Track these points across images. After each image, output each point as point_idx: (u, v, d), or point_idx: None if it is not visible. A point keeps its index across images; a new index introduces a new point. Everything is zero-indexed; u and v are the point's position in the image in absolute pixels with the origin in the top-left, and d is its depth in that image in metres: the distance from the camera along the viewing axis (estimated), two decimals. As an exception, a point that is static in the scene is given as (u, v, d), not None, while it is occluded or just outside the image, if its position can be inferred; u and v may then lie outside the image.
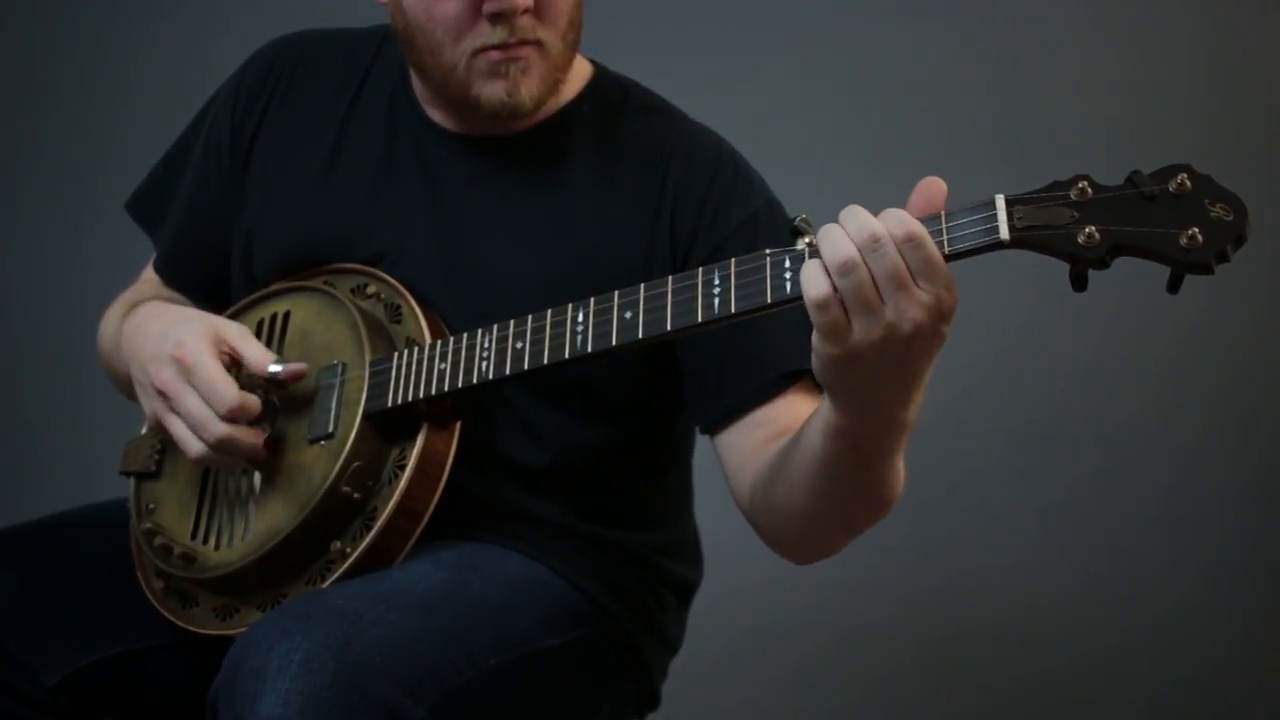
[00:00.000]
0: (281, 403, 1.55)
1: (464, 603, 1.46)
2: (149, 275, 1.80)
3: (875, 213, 1.19)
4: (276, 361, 1.51)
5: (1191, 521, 2.47)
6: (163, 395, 1.51)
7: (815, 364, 1.22)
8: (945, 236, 1.18)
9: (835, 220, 1.19)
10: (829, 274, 1.18)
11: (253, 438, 1.49)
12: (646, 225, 1.58)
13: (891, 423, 1.26)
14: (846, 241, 1.17)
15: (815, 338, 1.20)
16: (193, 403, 1.48)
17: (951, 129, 2.53)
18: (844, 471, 1.32)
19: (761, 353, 1.51)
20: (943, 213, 1.19)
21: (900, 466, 1.34)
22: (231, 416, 1.47)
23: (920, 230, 1.17)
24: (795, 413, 1.47)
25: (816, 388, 1.52)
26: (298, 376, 1.52)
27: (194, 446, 1.49)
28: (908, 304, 1.17)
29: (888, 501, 1.38)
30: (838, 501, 1.37)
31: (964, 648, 2.54)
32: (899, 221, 1.17)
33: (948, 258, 1.18)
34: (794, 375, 1.51)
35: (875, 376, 1.21)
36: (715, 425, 1.55)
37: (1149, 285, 1.19)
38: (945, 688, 2.55)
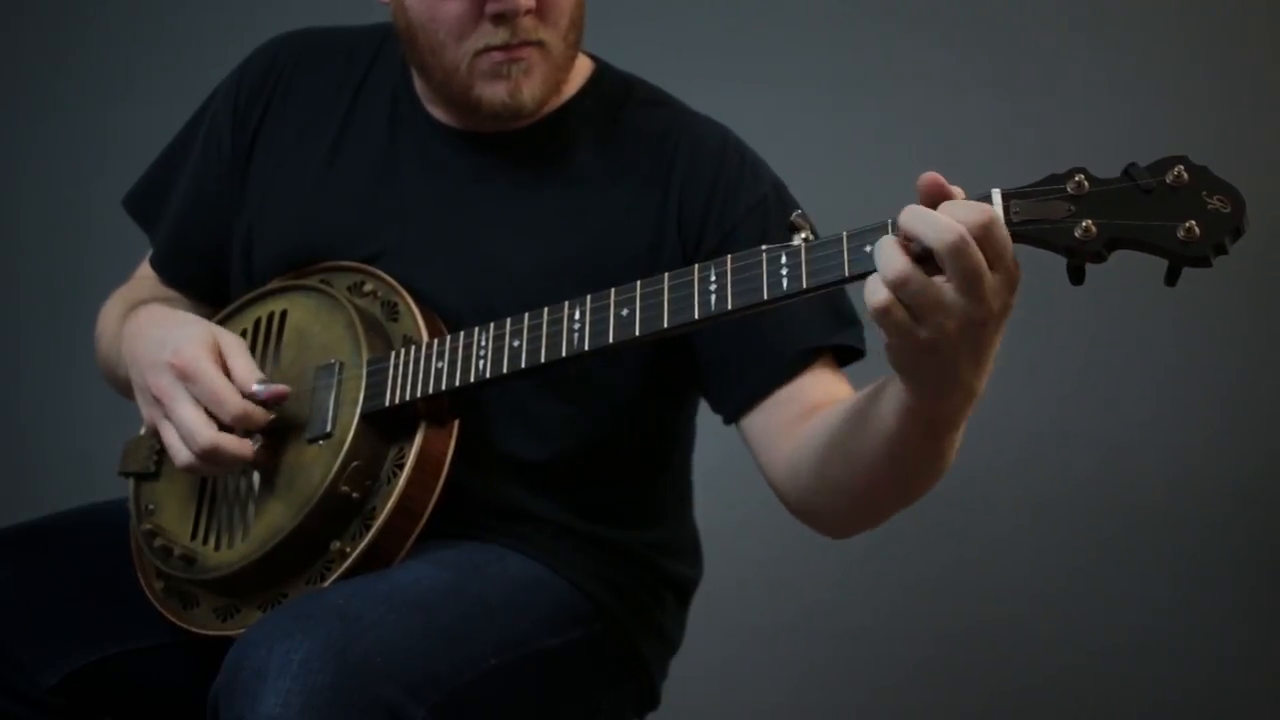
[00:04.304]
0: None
1: (464, 602, 1.45)
2: (145, 272, 1.80)
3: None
4: (261, 381, 1.50)
5: (1191, 521, 2.47)
6: (159, 402, 1.51)
7: (890, 356, 1.19)
8: (942, 232, 1.18)
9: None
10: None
11: (240, 448, 1.48)
12: (654, 215, 1.59)
13: (970, 395, 1.23)
14: (898, 258, 1.13)
15: (884, 335, 1.17)
16: (184, 410, 1.48)
17: (951, 126, 2.53)
18: (916, 447, 1.29)
19: (779, 333, 1.51)
20: (940, 207, 1.17)
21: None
22: (236, 424, 1.47)
23: (997, 214, 1.13)
24: (820, 388, 1.47)
25: (836, 363, 1.51)
26: (279, 399, 1.50)
27: (182, 455, 1.48)
28: (987, 292, 1.13)
29: (947, 468, 1.35)
30: (905, 475, 1.35)
31: (964, 647, 2.54)
32: (967, 210, 1.13)
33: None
34: (814, 352, 1.51)
35: (955, 360, 1.18)
36: (738, 411, 1.54)
37: (1148, 279, 1.18)
38: (946, 687, 2.55)
